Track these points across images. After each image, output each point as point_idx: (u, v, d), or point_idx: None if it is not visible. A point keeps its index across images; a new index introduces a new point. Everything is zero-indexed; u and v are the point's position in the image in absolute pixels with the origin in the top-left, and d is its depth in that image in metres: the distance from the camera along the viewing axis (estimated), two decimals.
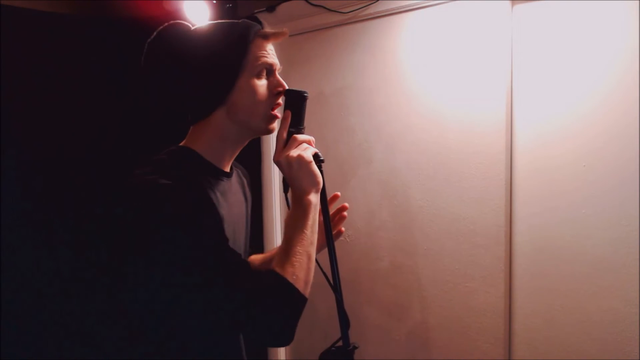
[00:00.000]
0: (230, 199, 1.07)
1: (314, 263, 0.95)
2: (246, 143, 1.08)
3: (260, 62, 1.00)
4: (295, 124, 1.03)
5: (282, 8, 2.01)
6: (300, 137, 1.01)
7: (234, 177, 1.12)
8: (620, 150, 1.38)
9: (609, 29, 1.39)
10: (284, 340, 0.88)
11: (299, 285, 0.89)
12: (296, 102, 1.03)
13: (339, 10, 1.88)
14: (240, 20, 1.02)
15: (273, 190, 2.22)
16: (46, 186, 2.02)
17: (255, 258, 1.31)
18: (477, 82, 1.61)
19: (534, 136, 1.53)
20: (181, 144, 1.05)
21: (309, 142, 1.02)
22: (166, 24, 1.02)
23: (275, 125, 1.04)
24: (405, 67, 1.78)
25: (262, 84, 1.01)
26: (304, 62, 2.06)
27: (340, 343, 1.04)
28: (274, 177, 2.22)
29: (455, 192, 1.68)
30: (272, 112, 1.03)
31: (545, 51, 1.50)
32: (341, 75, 1.95)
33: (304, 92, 1.04)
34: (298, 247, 0.92)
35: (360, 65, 1.90)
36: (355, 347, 1.04)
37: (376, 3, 1.79)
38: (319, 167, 1.00)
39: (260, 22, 1.04)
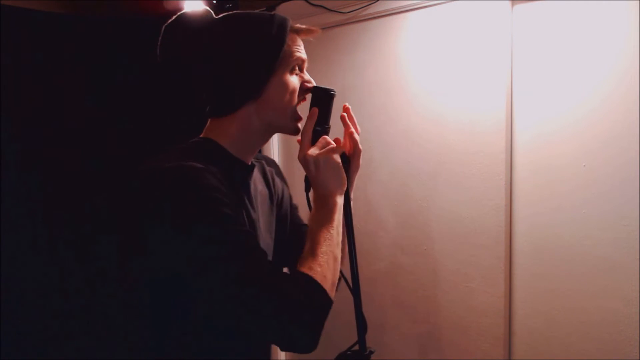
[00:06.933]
0: (254, 193, 1.03)
1: (339, 264, 0.92)
2: (268, 140, 1.05)
3: (295, 57, 0.96)
4: (322, 122, 1.00)
5: (282, 8, 2.01)
6: (327, 138, 0.98)
7: (256, 171, 1.07)
8: (620, 150, 1.38)
9: (610, 29, 1.38)
10: (311, 345, 0.81)
11: (327, 287, 0.85)
12: (323, 100, 1.01)
13: (339, 10, 1.88)
14: (269, 13, 0.97)
15: None
16: (46, 186, 2.02)
17: None
18: (477, 82, 1.61)
19: (534, 136, 1.53)
20: (202, 136, 1.00)
21: (337, 141, 0.99)
22: (184, 10, 0.95)
23: (301, 124, 1.01)
24: (405, 67, 1.78)
25: (294, 80, 0.97)
26: None
27: (356, 347, 1.01)
28: None
29: (455, 192, 1.68)
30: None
31: (546, 51, 1.50)
32: (341, 75, 1.95)
33: (332, 90, 1.01)
34: (324, 248, 0.89)
35: (360, 65, 1.90)
36: (371, 352, 1.02)
37: (376, 3, 1.79)
38: (345, 167, 0.97)
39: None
